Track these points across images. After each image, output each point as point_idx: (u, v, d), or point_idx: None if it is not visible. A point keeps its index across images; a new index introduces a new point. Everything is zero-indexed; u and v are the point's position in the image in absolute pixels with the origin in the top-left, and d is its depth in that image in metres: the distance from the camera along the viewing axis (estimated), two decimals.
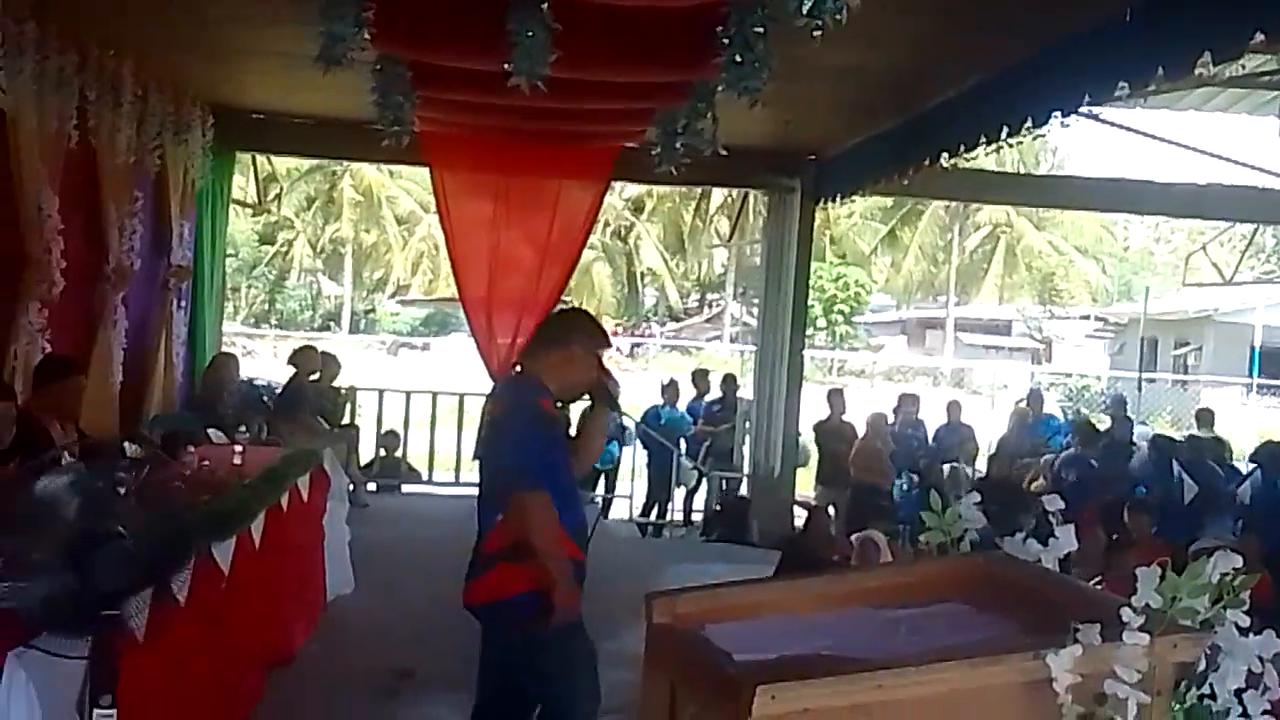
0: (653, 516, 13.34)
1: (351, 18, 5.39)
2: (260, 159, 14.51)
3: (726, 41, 5.42)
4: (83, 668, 3.28)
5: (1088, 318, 41.00)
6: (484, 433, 4.50)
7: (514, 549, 4.32)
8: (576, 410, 4.99)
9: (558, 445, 4.49)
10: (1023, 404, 15.98)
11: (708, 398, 14.11)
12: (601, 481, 13.20)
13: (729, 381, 14.02)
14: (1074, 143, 46.32)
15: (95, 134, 8.12)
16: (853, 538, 8.81)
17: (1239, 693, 2.52)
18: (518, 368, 4.76)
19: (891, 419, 13.46)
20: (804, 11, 4.17)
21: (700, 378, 14.74)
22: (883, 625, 2.84)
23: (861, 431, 12.71)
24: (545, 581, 4.25)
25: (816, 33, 4.23)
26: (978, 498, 3.12)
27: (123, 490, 3.74)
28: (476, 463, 4.71)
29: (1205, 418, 13.87)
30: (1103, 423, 14.37)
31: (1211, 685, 2.51)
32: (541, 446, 4.35)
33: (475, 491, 4.76)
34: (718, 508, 12.62)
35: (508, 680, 4.64)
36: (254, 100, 10.94)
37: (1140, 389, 18.40)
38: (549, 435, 4.42)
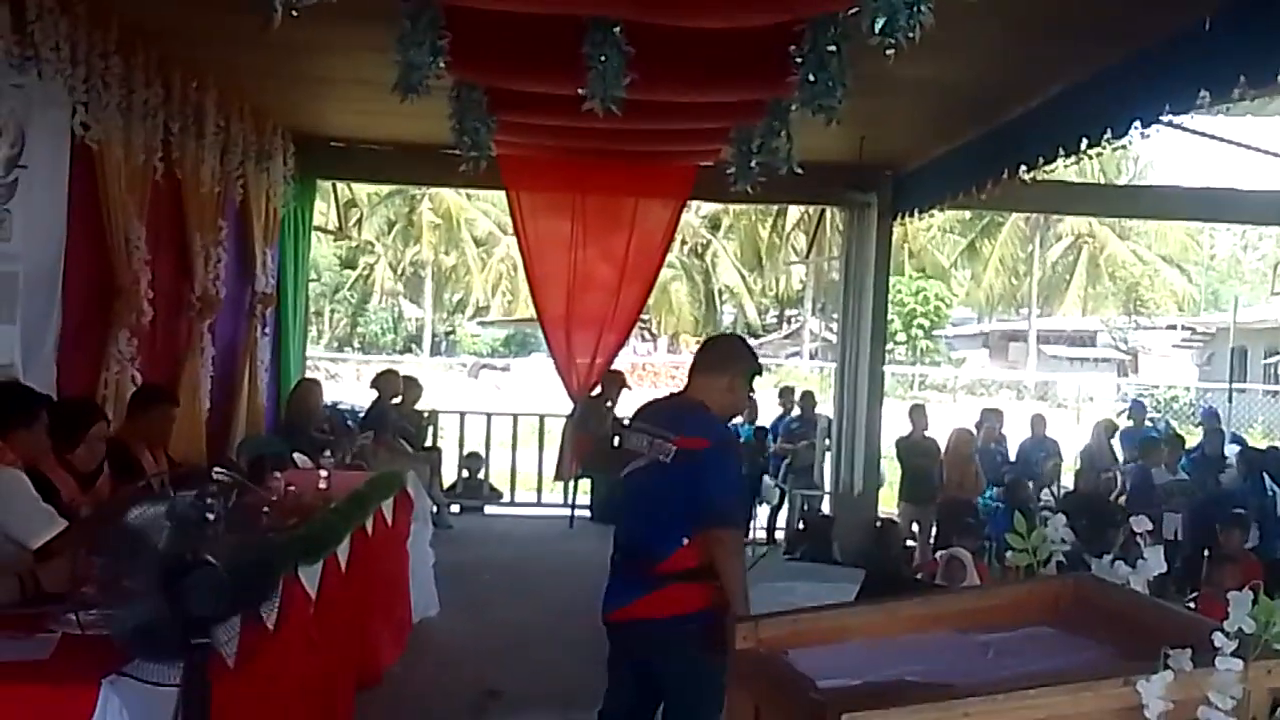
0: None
1: (428, 46, 5.46)
2: (341, 185, 14.67)
3: (800, 60, 5.41)
4: (175, 695, 3.33)
5: (1174, 328, 40.30)
6: (663, 458, 4.48)
7: (693, 572, 4.40)
8: None
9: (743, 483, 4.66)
10: (1122, 415, 15.74)
11: (791, 415, 14.03)
12: None
13: (807, 398, 13.94)
14: (1156, 151, 45.57)
15: (180, 164, 8.26)
16: (938, 555, 8.74)
17: None
18: (684, 392, 4.81)
19: (975, 434, 13.31)
20: (877, 30, 4.15)
21: (785, 395, 14.66)
22: (970, 650, 2.82)
23: (944, 446, 12.58)
24: (720, 604, 4.31)
25: (890, 50, 4.20)
26: (1064, 520, 3.08)
27: (211, 517, 3.78)
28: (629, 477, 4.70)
29: None
30: (1195, 436, 14.14)
31: None
32: (742, 485, 4.59)
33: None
34: (800, 526, 12.54)
35: (648, 694, 4.66)
36: (334, 128, 11.09)
37: (1231, 400, 18.04)
38: (741, 474, 4.59)
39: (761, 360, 5.02)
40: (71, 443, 5.29)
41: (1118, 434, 14.59)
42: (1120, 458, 13.75)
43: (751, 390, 4.81)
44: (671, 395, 5.07)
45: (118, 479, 5.63)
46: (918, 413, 13.25)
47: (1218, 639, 2.35)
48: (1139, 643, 2.52)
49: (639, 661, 4.63)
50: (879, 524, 10.71)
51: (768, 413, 14.29)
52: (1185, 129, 8.92)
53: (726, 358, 4.79)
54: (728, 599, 4.30)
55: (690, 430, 4.51)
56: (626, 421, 5.02)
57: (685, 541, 4.44)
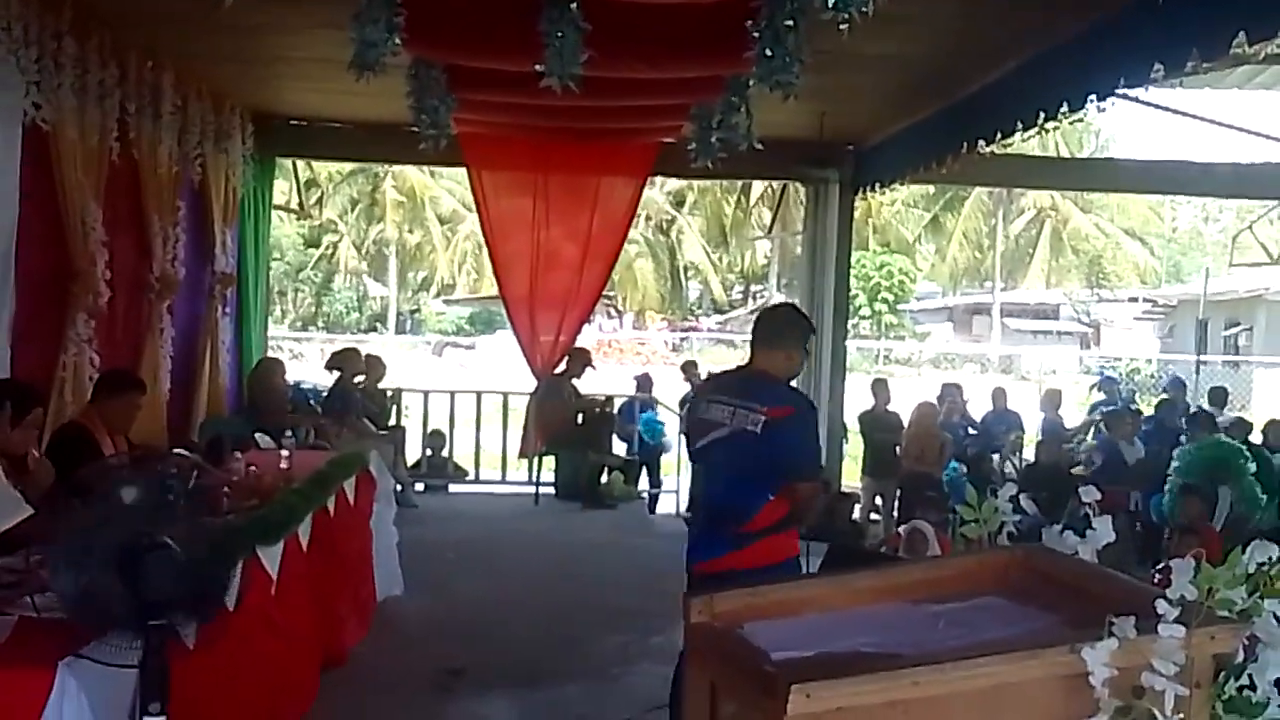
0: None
1: (384, 23, 5.43)
2: (301, 163, 14.59)
3: (757, 36, 5.42)
4: (133, 676, 3.33)
5: (1136, 300, 40.58)
6: (751, 428, 4.91)
7: (777, 525, 4.90)
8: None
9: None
10: (1094, 390, 15.86)
11: None
12: (645, 475, 13.18)
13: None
14: (1118, 125, 45.93)
15: (137, 145, 8.21)
16: (900, 528, 8.79)
17: (1279, 683, 2.51)
18: (749, 363, 5.28)
19: (937, 408, 13.38)
20: (830, 5, 4.17)
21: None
22: (922, 620, 2.85)
23: (907, 420, 12.65)
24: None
25: (844, 25, 4.22)
26: (1013, 490, 3.12)
27: (171, 498, 3.77)
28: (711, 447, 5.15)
29: (1217, 396, 13.86)
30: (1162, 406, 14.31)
31: (1250, 676, 2.50)
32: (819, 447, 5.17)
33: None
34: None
35: None
36: (293, 106, 11.04)
37: (1198, 371, 18.18)
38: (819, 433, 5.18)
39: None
40: (11, 424, 5.22)
41: (1090, 408, 14.73)
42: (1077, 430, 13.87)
43: (807, 350, 5.29)
44: (739, 368, 5.42)
45: (76, 463, 5.59)
46: (880, 387, 13.33)
47: (1161, 606, 2.38)
48: (1086, 611, 2.55)
49: None
50: (833, 497, 10.76)
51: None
52: (1143, 102, 9.00)
53: (783, 331, 5.20)
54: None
55: (775, 401, 4.92)
56: (702, 396, 5.54)
57: (770, 498, 4.88)
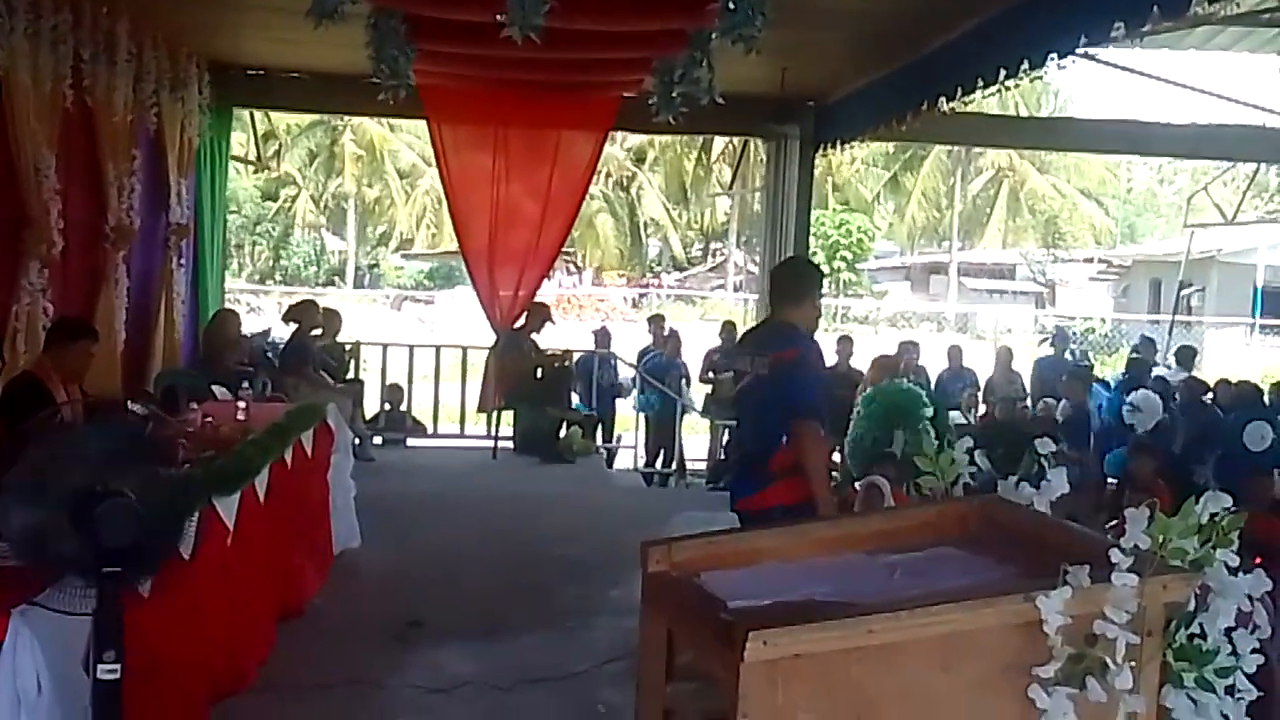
0: (658, 465, 13.35)
1: None
2: (259, 115, 14.44)
3: None
4: (87, 625, 3.32)
5: (1091, 260, 40.87)
6: (764, 377, 5.30)
7: (795, 467, 5.12)
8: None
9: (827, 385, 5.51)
10: (1044, 344, 15.96)
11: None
12: (599, 431, 13.18)
13: (728, 329, 13.97)
14: (1076, 85, 45.99)
15: (91, 93, 8.08)
16: (857, 483, 8.85)
17: (1229, 632, 2.54)
18: (769, 318, 5.68)
19: (895, 362, 13.42)
20: None
21: (728, 329, 14.62)
22: (878, 570, 2.87)
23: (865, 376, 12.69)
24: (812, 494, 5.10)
25: None
26: (970, 443, 3.14)
27: (126, 448, 3.75)
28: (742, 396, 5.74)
29: (1185, 356, 14.00)
30: (1110, 366, 14.45)
31: (1201, 625, 2.54)
32: (822, 386, 5.38)
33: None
34: (723, 456, 12.64)
35: None
36: (251, 56, 10.91)
37: (1171, 332, 18.36)
38: (825, 377, 5.46)
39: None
40: None
41: (1036, 362, 14.83)
42: (1027, 384, 13.97)
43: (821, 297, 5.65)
44: (765, 320, 5.90)
45: (30, 412, 5.54)
46: (844, 344, 13.37)
47: (1114, 555, 2.41)
48: (1041, 561, 2.58)
49: None
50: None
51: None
52: (1103, 61, 9.03)
53: (797, 283, 5.51)
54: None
55: (781, 345, 5.25)
56: (737, 349, 6.12)
57: (785, 440, 5.14)
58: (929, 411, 10.34)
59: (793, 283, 5.53)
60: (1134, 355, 14.73)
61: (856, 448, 10.14)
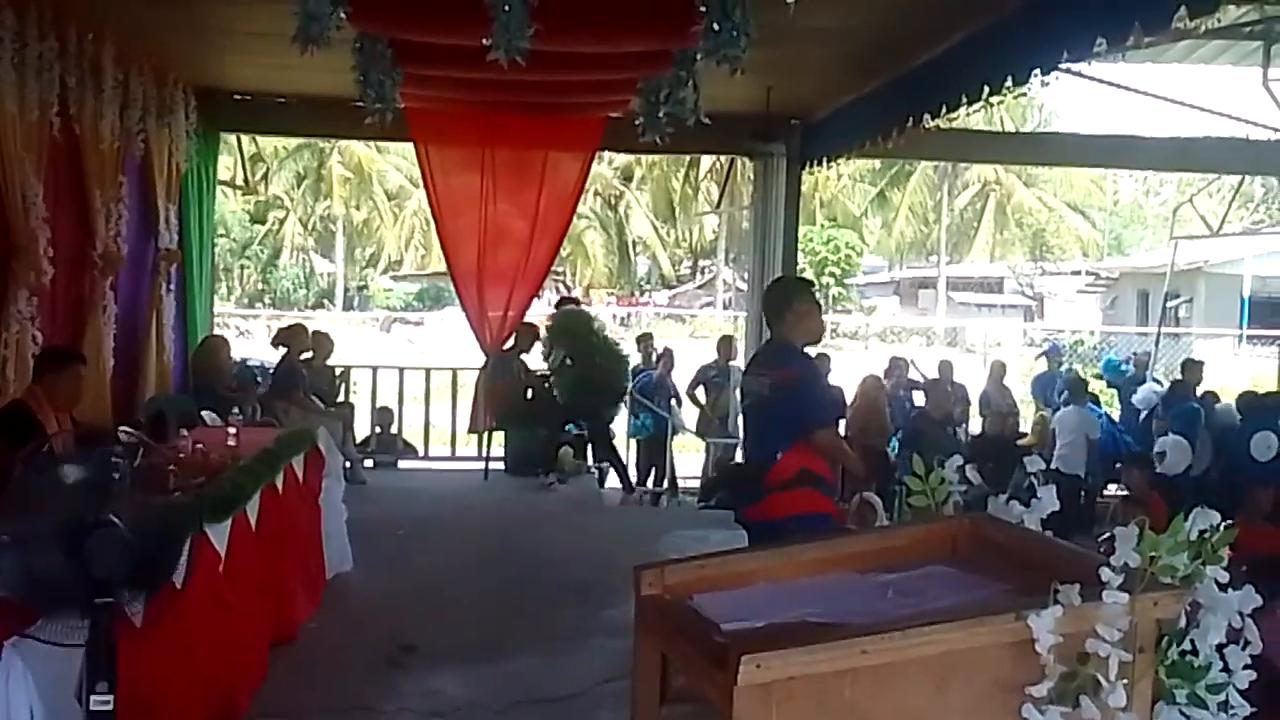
0: (649, 484, 13.32)
1: None
2: (246, 139, 14.45)
3: (705, 9, 5.42)
4: (80, 656, 3.31)
5: (1079, 273, 40.97)
6: (766, 396, 5.60)
7: (788, 483, 5.37)
8: None
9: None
10: (1040, 360, 16.03)
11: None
12: (589, 450, 13.15)
13: (725, 344, 13.93)
14: (1061, 99, 46.16)
15: (78, 120, 8.10)
16: (851, 501, 8.84)
17: (1220, 648, 2.55)
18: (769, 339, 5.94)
19: (883, 382, 13.46)
20: None
21: (724, 344, 14.59)
22: (870, 590, 2.87)
23: (852, 394, 12.71)
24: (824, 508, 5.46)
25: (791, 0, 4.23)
26: (960, 461, 3.15)
27: (116, 476, 3.74)
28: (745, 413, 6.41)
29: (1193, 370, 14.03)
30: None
31: (1193, 641, 2.54)
32: (828, 396, 5.88)
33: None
34: (714, 474, 12.64)
35: None
36: (237, 81, 10.93)
37: (1158, 344, 18.39)
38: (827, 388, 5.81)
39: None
40: None
41: (1032, 378, 14.88)
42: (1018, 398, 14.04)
43: (818, 305, 5.88)
44: (767, 342, 6.02)
45: (19, 442, 5.53)
46: (821, 361, 13.35)
47: (1105, 573, 2.42)
48: (1032, 579, 2.59)
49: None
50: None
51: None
52: (1087, 76, 9.07)
53: (779, 299, 5.75)
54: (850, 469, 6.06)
55: (781, 365, 5.54)
56: (745, 371, 6.52)
57: (780, 456, 5.40)
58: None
59: (777, 302, 5.75)
60: (1176, 379, 14.59)
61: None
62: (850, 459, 5.99)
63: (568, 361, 11.70)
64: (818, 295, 6.11)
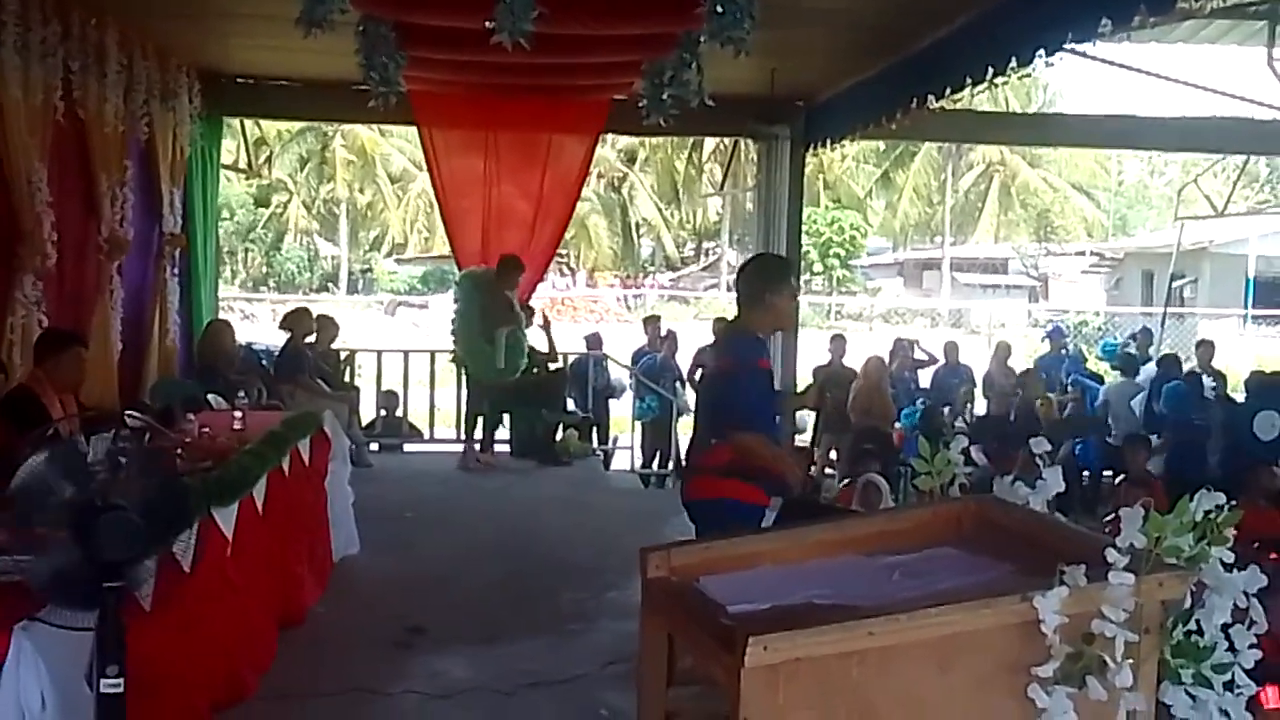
0: (654, 466, 13.33)
1: None
2: (250, 123, 14.44)
3: None
4: (90, 639, 3.32)
5: (1083, 253, 40.90)
6: (709, 378, 5.75)
7: (718, 469, 5.14)
8: None
9: (767, 395, 5.33)
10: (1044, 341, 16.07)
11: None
12: (594, 433, 13.17)
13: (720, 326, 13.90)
14: (1065, 80, 46.12)
15: (82, 104, 8.09)
16: (855, 481, 8.86)
17: (1225, 628, 2.56)
18: (732, 318, 5.58)
19: (887, 363, 13.47)
20: None
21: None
22: (876, 572, 2.88)
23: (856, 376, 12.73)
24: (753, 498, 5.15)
25: None
26: (965, 442, 3.16)
27: (123, 460, 3.75)
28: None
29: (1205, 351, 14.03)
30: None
31: (1198, 621, 2.55)
32: (755, 398, 5.17)
33: None
34: None
35: None
36: (241, 64, 10.91)
37: (1163, 324, 18.39)
38: (762, 388, 5.25)
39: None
40: None
41: (1036, 359, 14.87)
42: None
43: (794, 295, 5.56)
44: (730, 322, 5.69)
45: (25, 427, 5.54)
46: (837, 342, 13.39)
47: (1110, 555, 2.42)
48: (1038, 560, 2.60)
49: (696, 530, 5.31)
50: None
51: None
52: (1091, 57, 9.03)
53: (753, 283, 5.32)
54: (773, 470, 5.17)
55: (725, 354, 5.46)
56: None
57: (713, 443, 5.21)
58: None
59: (752, 287, 5.32)
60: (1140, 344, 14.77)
61: None
62: (773, 464, 5.18)
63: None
64: (795, 281, 5.75)
